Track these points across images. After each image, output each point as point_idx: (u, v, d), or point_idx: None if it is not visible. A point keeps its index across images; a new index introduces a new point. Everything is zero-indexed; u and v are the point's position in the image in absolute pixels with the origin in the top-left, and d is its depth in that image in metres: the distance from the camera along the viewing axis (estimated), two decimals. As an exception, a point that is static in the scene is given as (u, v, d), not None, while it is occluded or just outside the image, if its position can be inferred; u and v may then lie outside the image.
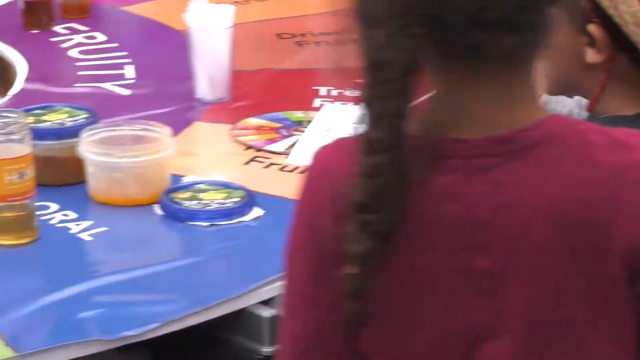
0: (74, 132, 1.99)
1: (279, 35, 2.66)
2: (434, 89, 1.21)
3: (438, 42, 1.18)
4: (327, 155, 1.34)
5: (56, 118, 2.05)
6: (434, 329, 1.29)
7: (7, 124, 1.79)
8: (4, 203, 1.80)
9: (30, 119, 1.90)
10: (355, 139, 1.28)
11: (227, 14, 2.34)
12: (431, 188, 1.21)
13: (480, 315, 1.24)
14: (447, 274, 1.24)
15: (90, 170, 1.95)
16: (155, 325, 1.64)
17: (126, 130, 2.02)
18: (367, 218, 1.20)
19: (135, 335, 1.62)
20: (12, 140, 1.80)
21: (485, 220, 1.23)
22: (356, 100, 1.28)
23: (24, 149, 1.81)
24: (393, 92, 1.21)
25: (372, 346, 1.30)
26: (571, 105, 2.01)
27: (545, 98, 2.13)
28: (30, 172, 1.81)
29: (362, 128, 1.26)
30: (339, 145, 1.36)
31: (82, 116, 2.06)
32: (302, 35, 2.66)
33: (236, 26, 2.35)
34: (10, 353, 1.56)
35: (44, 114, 2.06)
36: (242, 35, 2.41)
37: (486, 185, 1.23)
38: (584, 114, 1.95)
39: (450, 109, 1.22)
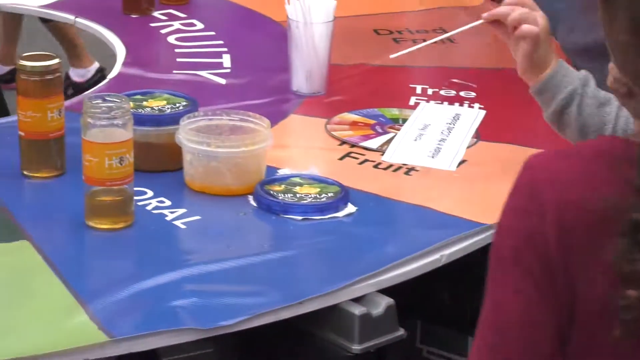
0: (172, 119, 2.00)
1: (376, 31, 2.66)
2: None
3: None
4: (548, 162, 1.34)
5: (156, 104, 2.07)
6: None
7: (110, 109, 1.81)
8: (103, 187, 1.81)
9: (131, 104, 1.90)
10: (582, 149, 1.37)
11: (329, 7, 2.33)
12: None
13: None
14: None
15: (187, 158, 1.96)
16: (248, 316, 1.64)
17: (225, 120, 2.03)
18: None
19: (229, 326, 1.63)
20: (115, 125, 1.81)
21: None
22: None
23: (126, 134, 1.81)
24: None
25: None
26: (575, 84, 1.98)
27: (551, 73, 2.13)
28: (130, 158, 1.82)
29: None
30: (564, 153, 1.39)
31: (181, 103, 2.07)
32: (399, 32, 2.65)
33: (334, 20, 2.35)
34: (103, 337, 1.57)
35: (144, 100, 2.08)
36: (339, 29, 2.40)
37: None
38: (589, 90, 1.94)
39: None
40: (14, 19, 4.69)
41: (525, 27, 1.92)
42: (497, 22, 2.04)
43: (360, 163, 2.09)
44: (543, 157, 1.37)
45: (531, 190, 1.32)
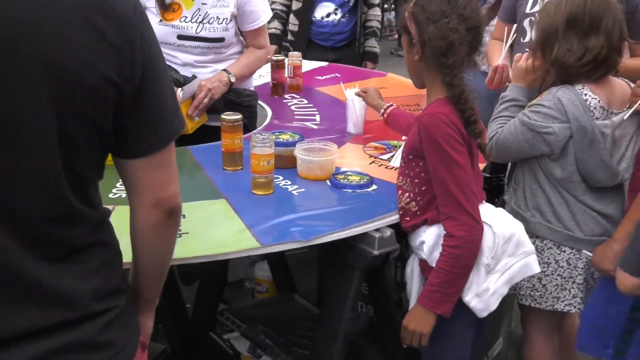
0: (292, 144, 1.99)
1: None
2: None
3: None
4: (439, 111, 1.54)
5: (284, 137, 2.05)
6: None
7: (264, 139, 1.81)
8: (259, 175, 1.80)
9: (273, 137, 1.90)
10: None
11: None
12: None
13: None
14: None
15: (298, 161, 1.94)
16: (325, 235, 1.62)
17: (316, 145, 2.00)
18: None
19: (316, 239, 1.61)
20: (266, 146, 1.80)
21: None
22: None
23: (271, 151, 1.81)
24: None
25: None
26: None
27: None
28: (272, 161, 1.81)
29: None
30: (445, 108, 1.56)
31: (297, 137, 2.06)
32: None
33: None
34: (257, 245, 1.55)
35: (280, 135, 2.07)
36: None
37: None
38: None
39: None
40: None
41: None
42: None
43: (379, 166, 2.03)
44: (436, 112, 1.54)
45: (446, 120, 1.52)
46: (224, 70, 2.28)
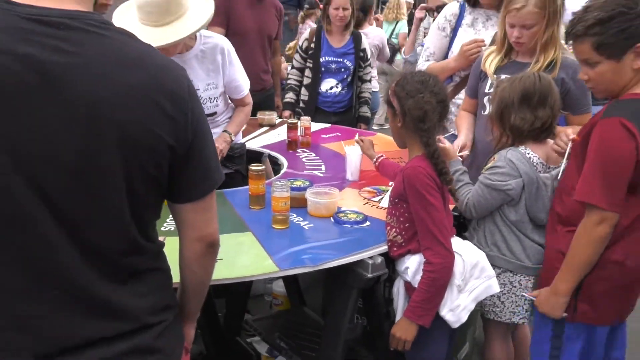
0: (304, 188, 1.99)
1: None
2: None
3: None
4: (420, 165, 1.54)
5: (298, 183, 2.06)
6: None
7: (282, 185, 1.81)
8: (278, 213, 1.80)
9: (289, 183, 1.89)
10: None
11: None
12: None
13: None
14: None
15: (309, 203, 1.93)
16: (330, 261, 1.60)
17: (322, 189, 1.99)
18: None
19: (323, 264, 1.59)
20: (284, 190, 1.80)
21: None
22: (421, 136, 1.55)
23: (287, 194, 1.81)
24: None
25: None
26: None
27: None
28: (288, 203, 1.81)
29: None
30: (423, 162, 1.57)
31: (307, 184, 2.06)
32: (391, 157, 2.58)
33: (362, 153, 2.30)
34: (277, 269, 1.53)
35: (294, 181, 2.07)
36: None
37: None
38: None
39: None
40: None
41: None
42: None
43: (371, 206, 2.02)
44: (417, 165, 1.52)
45: (424, 172, 1.49)
46: (225, 131, 2.27)
